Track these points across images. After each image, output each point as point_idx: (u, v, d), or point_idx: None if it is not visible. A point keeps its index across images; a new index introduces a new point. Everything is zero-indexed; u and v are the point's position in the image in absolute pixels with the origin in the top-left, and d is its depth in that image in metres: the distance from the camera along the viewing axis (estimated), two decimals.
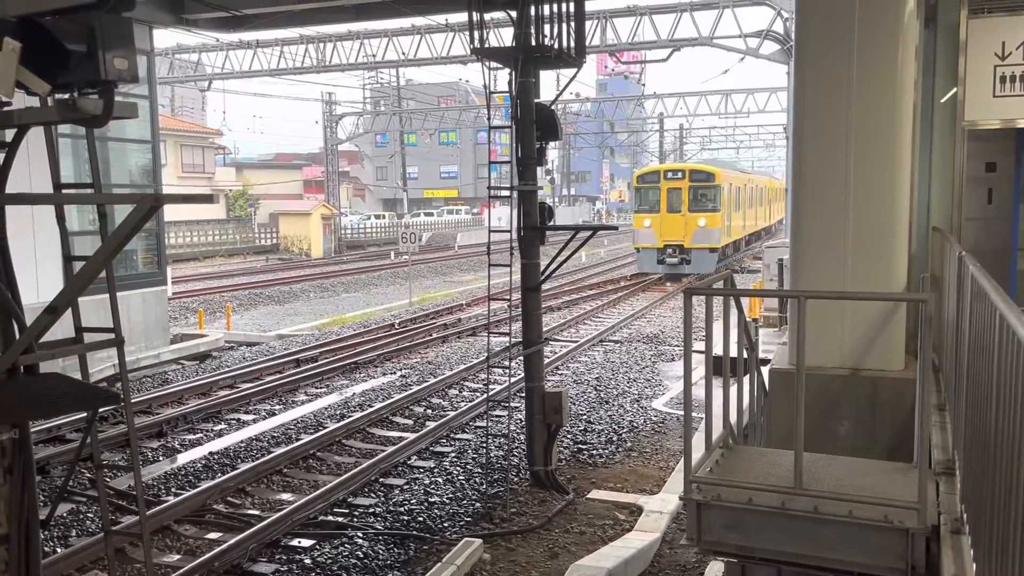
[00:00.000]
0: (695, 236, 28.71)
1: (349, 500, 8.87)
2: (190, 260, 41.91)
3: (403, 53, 28.17)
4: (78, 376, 3.95)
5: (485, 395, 11.97)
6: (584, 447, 10.67)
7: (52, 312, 3.25)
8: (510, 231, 9.29)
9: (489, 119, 9.40)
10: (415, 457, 10.32)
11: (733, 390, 5.49)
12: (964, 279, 4.64)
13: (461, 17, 22.20)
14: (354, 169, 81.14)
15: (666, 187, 29.21)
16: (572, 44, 9.47)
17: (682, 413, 9.31)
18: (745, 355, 5.92)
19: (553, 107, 9.38)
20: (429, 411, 12.55)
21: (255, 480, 9.39)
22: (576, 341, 17.89)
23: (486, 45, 9.22)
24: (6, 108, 3.45)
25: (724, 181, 30.13)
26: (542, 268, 9.33)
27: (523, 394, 9.74)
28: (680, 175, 29.43)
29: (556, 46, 9.13)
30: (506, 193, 9.25)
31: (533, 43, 8.91)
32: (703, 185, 29.22)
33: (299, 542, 7.83)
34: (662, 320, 21.16)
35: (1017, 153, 9.51)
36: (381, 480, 9.48)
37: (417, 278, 30.15)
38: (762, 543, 4.45)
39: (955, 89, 8.07)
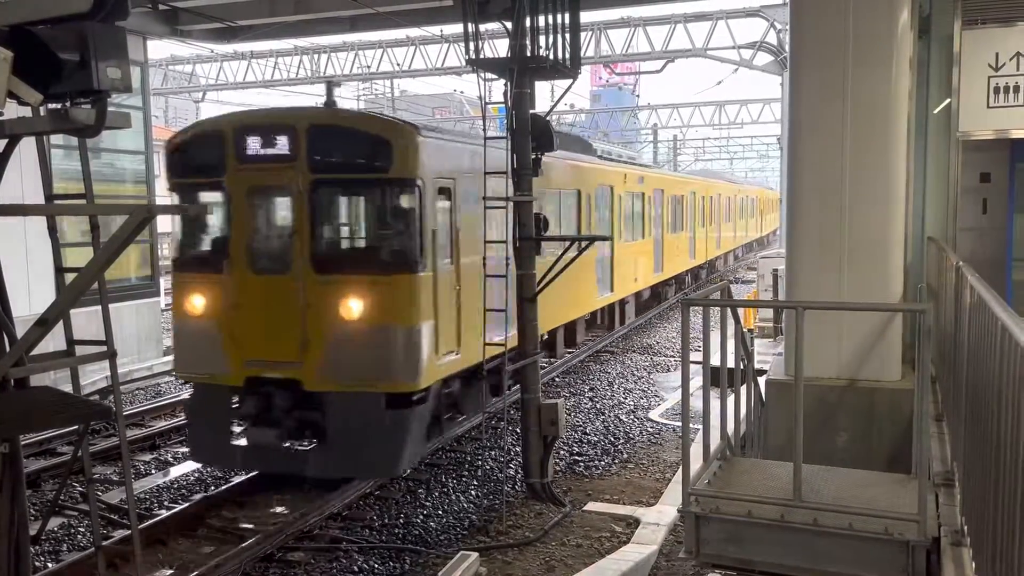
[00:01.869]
0: (334, 351, 8.43)
1: (344, 513, 8.80)
2: None
3: (398, 64, 28.19)
4: (70, 389, 3.92)
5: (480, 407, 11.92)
6: (580, 459, 10.61)
7: (43, 324, 3.21)
8: (506, 242, 9.26)
9: (484, 130, 9.39)
10: (410, 469, 10.24)
11: (730, 401, 5.47)
12: (962, 289, 4.63)
13: (456, 28, 22.29)
14: None
15: (248, 186, 8.87)
16: (567, 55, 9.48)
17: (678, 424, 9.28)
18: (742, 366, 5.91)
19: (548, 118, 9.37)
20: None
21: (249, 493, 9.31)
22: (571, 351, 17.83)
23: (481, 56, 9.23)
24: None
25: (432, 172, 8.97)
26: (538, 279, 9.30)
27: (519, 406, 9.69)
28: (285, 141, 8.64)
29: (551, 57, 9.15)
30: (501, 204, 9.23)
31: (528, 54, 8.92)
32: (362, 179, 8.89)
33: (294, 556, 7.75)
34: (657, 331, 21.14)
35: (1011, 163, 9.54)
36: (376, 492, 9.41)
37: None
38: (761, 556, 4.42)
39: (949, 100, 8.10)
